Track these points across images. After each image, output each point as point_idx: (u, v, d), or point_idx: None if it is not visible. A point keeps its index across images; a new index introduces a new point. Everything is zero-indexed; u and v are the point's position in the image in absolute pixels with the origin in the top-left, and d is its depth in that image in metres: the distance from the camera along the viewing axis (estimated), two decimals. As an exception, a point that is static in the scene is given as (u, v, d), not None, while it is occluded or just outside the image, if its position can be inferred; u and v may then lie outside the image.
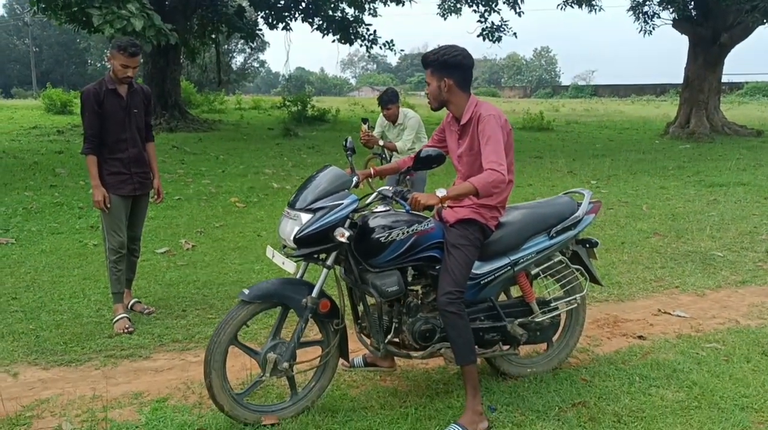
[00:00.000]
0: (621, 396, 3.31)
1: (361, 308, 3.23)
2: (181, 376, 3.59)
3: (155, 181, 4.65)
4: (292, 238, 2.88)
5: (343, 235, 2.84)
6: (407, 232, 3.03)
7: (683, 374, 3.55)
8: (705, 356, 3.79)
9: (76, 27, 16.05)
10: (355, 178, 3.16)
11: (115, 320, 4.29)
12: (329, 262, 3.00)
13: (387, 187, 3.12)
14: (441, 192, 2.85)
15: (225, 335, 2.90)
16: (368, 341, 3.28)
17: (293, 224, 2.90)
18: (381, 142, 5.65)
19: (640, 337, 4.14)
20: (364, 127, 5.34)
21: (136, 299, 4.69)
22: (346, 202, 2.94)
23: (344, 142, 3.45)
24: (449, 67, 3.07)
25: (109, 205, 4.31)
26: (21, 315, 4.46)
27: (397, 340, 3.22)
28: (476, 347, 3.18)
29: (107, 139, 4.32)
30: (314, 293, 2.97)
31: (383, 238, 2.99)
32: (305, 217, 2.88)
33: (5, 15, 71.80)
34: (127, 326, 4.24)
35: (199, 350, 3.92)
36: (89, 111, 4.26)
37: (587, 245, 3.62)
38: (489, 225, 3.18)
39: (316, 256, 3.01)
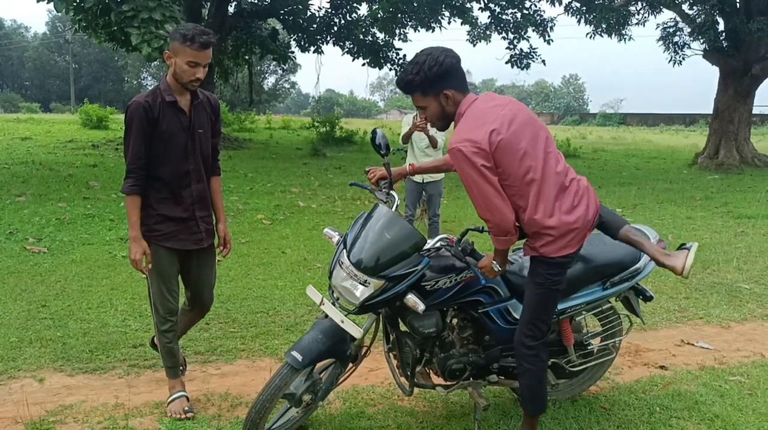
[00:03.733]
0: (641, 426, 3.27)
1: (393, 336, 3.11)
2: (202, 388, 3.64)
3: (220, 226, 3.45)
4: (359, 302, 2.74)
5: (416, 305, 2.69)
6: (455, 280, 2.84)
7: (705, 406, 3.50)
8: (728, 389, 3.73)
9: (115, 45, 16.64)
10: (396, 202, 3.04)
11: (170, 399, 3.31)
12: (380, 310, 2.90)
13: (446, 238, 2.96)
14: (496, 267, 2.73)
15: (274, 396, 2.77)
16: (395, 363, 3.17)
17: (363, 290, 2.71)
18: (431, 132, 6.06)
19: (661, 367, 4.09)
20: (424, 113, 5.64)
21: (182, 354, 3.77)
22: (419, 268, 2.75)
23: (372, 135, 3.08)
24: (442, 77, 2.57)
25: (150, 265, 3.18)
26: (49, 322, 4.57)
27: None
28: (503, 377, 3.13)
29: (164, 172, 3.12)
30: (357, 341, 2.89)
31: (429, 286, 2.80)
32: (377, 283, 2.70)
33: (47, 32, 74.38)
34: (185, 408, 3.25)
35: (220, 363, 3.98)
36: (136, 132, 3.01)
37: (641, 297, 3.42)
38: (551, 254, 2.68)
39: None
